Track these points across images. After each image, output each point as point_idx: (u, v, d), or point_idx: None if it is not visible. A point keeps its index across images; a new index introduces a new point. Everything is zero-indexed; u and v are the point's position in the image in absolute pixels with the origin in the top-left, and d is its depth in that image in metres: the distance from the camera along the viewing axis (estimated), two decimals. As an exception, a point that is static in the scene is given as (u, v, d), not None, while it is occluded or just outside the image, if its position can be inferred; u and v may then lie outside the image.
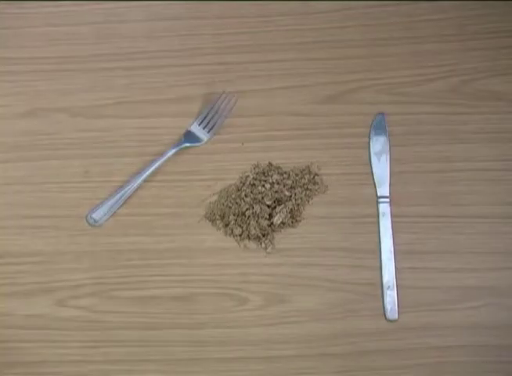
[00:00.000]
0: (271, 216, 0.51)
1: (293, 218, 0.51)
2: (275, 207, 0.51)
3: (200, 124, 0.54)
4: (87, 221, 0.51)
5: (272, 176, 0.52)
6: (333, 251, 0.50)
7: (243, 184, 0.52)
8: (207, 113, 0.54)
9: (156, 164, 0.52)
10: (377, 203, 0.51)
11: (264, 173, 0.52)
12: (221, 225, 0.51)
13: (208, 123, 0.54)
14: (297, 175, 0.52)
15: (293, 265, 0.50)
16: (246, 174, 0.53)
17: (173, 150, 0.52)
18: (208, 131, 0.54)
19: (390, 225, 0.50)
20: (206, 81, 0.56)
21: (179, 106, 0.55)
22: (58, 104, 0.56)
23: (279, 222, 0.50)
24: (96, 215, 0.52)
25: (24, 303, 0.50)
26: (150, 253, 0.51)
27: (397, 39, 0.57)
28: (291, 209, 0.51)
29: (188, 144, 0.53)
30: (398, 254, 0.50)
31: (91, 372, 0.48)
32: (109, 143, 0.54)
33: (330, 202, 0.52)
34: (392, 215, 0.51)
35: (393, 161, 0.53)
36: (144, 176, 0.52)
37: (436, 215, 0.51)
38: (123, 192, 0.52)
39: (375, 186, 0.52)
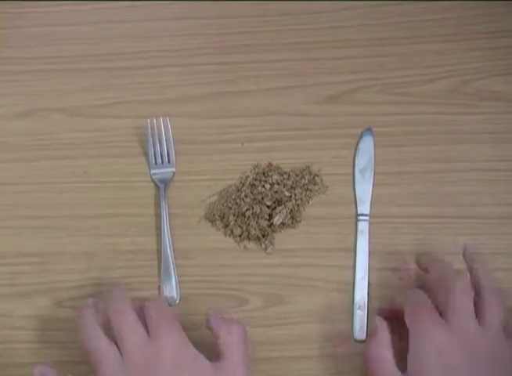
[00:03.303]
0: (271, 217, 0.51)
1: (293, 218, 0.51)
2: (275, 208, 0.51)
3: (156, 164, 0.53)
4: None
5: (271, 176, 0.52)
6: (334, 251, 0.50)
7: (243, 184, 0.52)
8: (153, 150, 0.53)
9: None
10: (356, 221, 0.51)
11: (264, 173, 0.52)
12: (220, 226, 0.51)
13: (162, 156, 0.53)
14: (297, 175, 0.52)
15: (294, 266, 0.50)
16: (246, 174, 0.53)
17: (163, 202, 0.51)
18: (169, 162, 0.53)
19: (367, 244, 0.50)
20: (206, 81, 0.56)
21: (179, 106, 0.55)
22: (57, 104, 0.56)
23: (279, 222, 0.50)
24: None
25: (23, 304, 0.49)
26: (150, 253, 0.51)
27: (397, 39, 0.57)
28: (291, 209, 0.51)
29: (163, 185, 0.52)
30: (397, 254, 0.50)
31: (90, 373, 0.48)
32: (109, 143, 0.54)
33: (330, 202, 0.52)
34: (392, 216, 0.51)
35: (392, 162, 0.53)
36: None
37: (436, 216, 0.51)
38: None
39: (355, 204, 0.51)
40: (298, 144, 0.54)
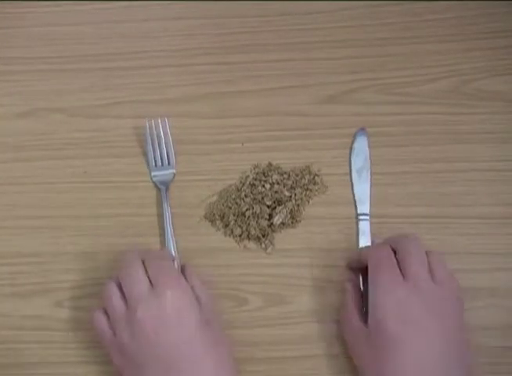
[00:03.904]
0: (271, 216, 0.51)
1: (293, 218, 0.51)
2: (275, 208, 0.51)
3: (155, 166, 0.53)
4: None
5: (271, 176, 0.52)
6: (334, 251, 0.50)
7: (243, 184, 0.52)
8: (153, 152, 0.53)
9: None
10: (357, 221, 0.51)
11: (264, 173, 0.52)
12: (220, 226, 0.51)
13: (161, 158, 0.53)
14: (297, 175, 0.52)
15: (294, 266, 0.50)
16: (246, 174, 0.53)
17: (166, 203, 0.51)
18: (169, 163, 0.53)
19: (368, 243, 0.50)
20: (206, 81, 0.56)
21: (179, 107, 0.55)
22: (57, 104, 0.56)
23: (279, 222, 0.50)
24: None
25: (23, 304, 0.49)
26: (150, 253, 0.51)
27: (397, 39, 0.57)
28: (291, 209, 0.51)
29: (164, 187, 0.52)
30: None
31: (90, 373, 0.48)
32: (108, 143, 0.54)
33: (330, 202, 0.52)
34: (392, 216, 0.51)
35: (392, 162, 0.53)
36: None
37: (435, 216, 0.51)
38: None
39: (355, 204, 0.52)
40: (298, 144, 0.54)
